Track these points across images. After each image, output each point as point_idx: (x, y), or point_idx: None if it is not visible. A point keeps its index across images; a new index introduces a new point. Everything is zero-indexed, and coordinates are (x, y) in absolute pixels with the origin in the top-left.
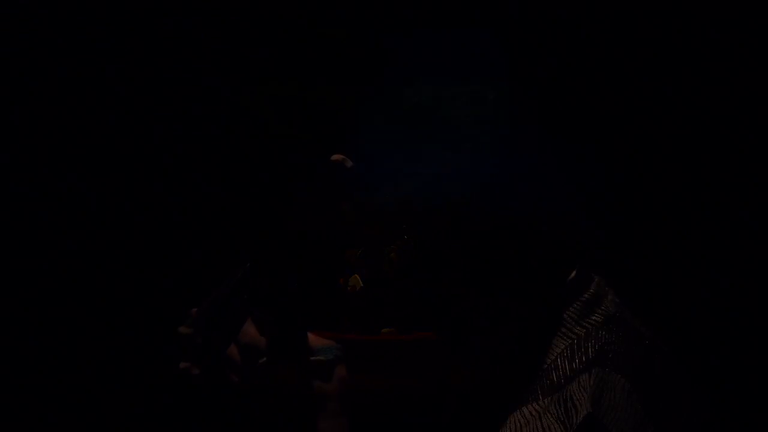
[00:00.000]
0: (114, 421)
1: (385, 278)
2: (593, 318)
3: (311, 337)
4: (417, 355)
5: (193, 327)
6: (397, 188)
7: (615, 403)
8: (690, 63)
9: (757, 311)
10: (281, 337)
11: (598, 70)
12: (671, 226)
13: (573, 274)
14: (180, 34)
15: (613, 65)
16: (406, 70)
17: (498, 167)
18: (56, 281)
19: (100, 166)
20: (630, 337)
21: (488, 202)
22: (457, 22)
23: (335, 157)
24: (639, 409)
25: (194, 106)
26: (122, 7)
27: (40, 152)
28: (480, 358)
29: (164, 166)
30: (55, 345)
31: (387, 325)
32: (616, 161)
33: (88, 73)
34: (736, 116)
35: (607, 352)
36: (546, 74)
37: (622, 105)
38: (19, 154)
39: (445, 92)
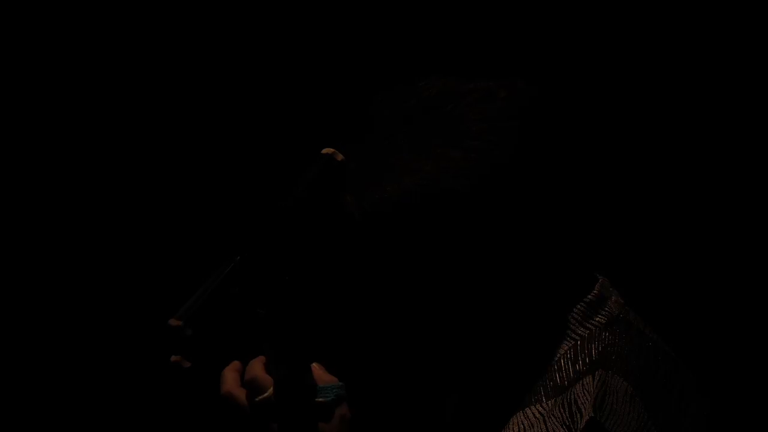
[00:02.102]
0: (108, 417)
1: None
2: (597, 319)
3: (315, 371)
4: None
5: (183, 319)
6: (395, 186)
7: (617, 407)
8: (690, 63)
9: (758, 312)
10: (288, 380)
11: (605, 70)
12: (675, 227)
13: (578, 274)
14: (179, 33)
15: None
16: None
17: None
18: (47, 278)
19: (97, 164)
20: (633, 339)
21: (490, 200)
22: None
23: (325, 150)
24: (641, 413)
25: (188, 100)
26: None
27: (39, 152)
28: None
29: (158, 160)
30: (49, 342)
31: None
32: (623, 162)
33: (85, 73)
34: (736, 116)
35: (610, 354)
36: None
37: (627, 105)
38: (18, 154)
39: (453, 88)
